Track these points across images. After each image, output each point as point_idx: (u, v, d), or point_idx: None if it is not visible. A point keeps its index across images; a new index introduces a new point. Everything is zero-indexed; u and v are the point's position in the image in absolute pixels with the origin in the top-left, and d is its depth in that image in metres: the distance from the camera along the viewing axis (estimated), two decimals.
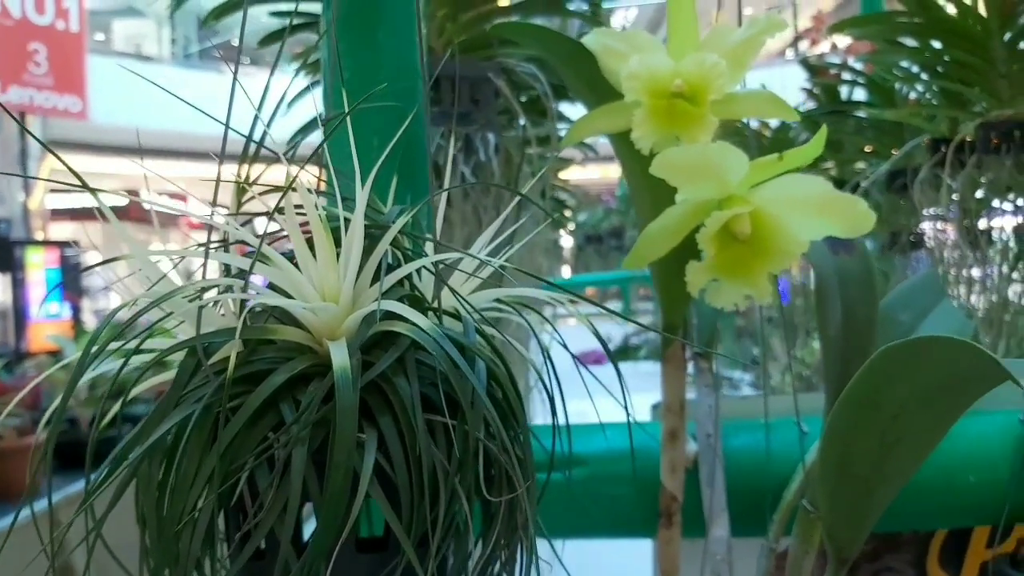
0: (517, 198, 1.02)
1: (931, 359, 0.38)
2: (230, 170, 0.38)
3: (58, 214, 8.27)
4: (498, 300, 0.40)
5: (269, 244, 0.36)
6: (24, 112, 6.79)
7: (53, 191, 7.84)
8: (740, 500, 0.64)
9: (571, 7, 1.00)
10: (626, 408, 0.45)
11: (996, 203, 1.33)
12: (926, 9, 1.18)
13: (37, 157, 7.05)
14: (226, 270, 0.35)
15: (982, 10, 1.11)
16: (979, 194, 1.32)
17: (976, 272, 1.41)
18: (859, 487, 0.44)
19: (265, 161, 0.37)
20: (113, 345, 0.33)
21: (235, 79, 0.37)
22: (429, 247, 0.39)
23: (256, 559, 0.32)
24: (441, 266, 0.36)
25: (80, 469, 0.34)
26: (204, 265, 0.33)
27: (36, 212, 7.23)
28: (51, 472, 0.38)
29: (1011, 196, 1.21)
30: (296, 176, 0.33)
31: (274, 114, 0.50)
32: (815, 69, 1.63)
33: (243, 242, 0.36)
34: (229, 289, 0.33)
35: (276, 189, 0.36)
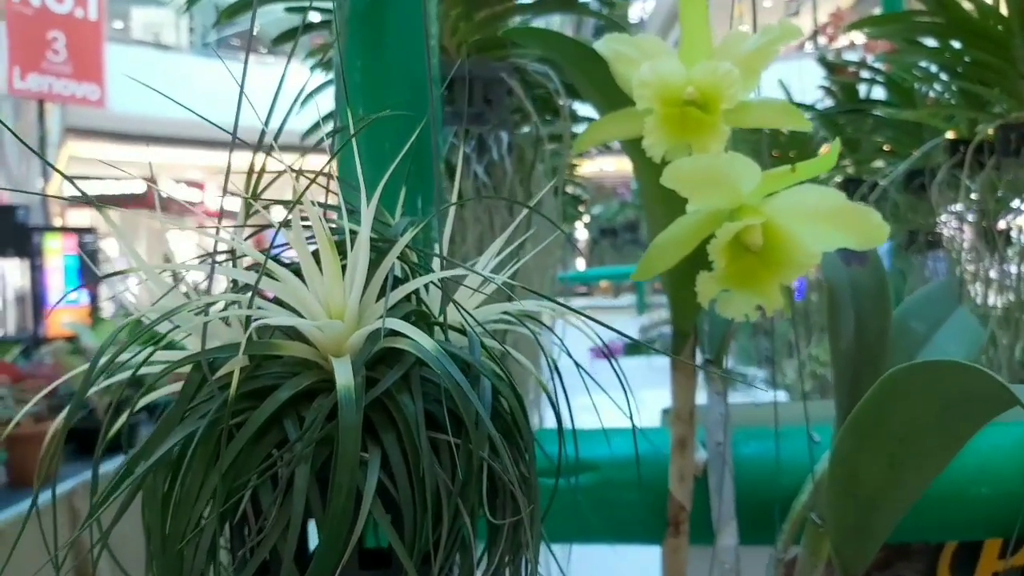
0: (530, 202, 1.02)
1: (940, 383, 0.38)
2: (244, 160, 0.38)
3: (77, 201, 8.29)
4: (505, 312, 0.40)
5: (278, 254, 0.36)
6: (43, 100, 6.83)
7: (72, 178, 7.87)
8: (749, 509, 0.63)
9: (586, 4, 0.99)
10: (631, 416, 0.45)
11: (1015, 204, 1.31)
12: (946, 9, 1.17)
13: (56, 144, 7.09)
14: (233, 283, 0.35)
15: (1004, 10, 1.10)
16: (998, 194, 1.31)
17: (993, 272, 1.40)
18: (866, 506, 0.44)
19: (278, 152, 0.36)
20: (122, 357, 0.33)
21: (243, 78, 0.37)
22: (437, 260, 0.39)
23: (261, 574, 0.32)
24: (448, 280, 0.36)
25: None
26: (210, 278, 0.33)
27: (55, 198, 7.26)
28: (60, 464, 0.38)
29: None
30: (304, 191, 0.33)
31: (291, 109, 0.50)
32: (833, 67, 1.62)
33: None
34: (235, 304, 0.33)
35: (283, 203, 0.36)
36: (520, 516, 0.32)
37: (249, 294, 0.32)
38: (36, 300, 5.65)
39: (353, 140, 0.37)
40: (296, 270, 0.35)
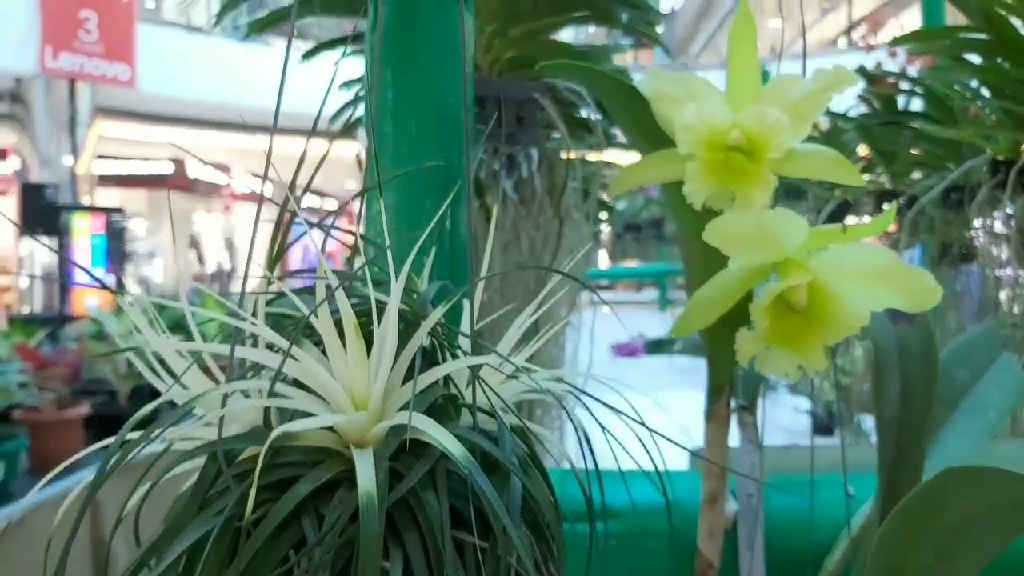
0: (558, 214, 0.99)
1: (995, 486, 0.36)
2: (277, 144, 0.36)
3: (105, 180, 8.39)
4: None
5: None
6: (74, 79, 6.88)
7: (101, 157, 7.95)
8: (779, 564, 0.61)
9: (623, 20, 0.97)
10: (658, 474, 0.42)
11: None
12: (994, 26, 1.13)
13: (85, 124, 7.14)
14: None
15: None
16: None
17: None
18: None
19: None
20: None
21: (284, 67, 0.35)
22: (466, 324, 0.37)
23: None
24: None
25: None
26: (231, 359, 0.31)
27: (83, 177, 7.33)
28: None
29: None
30: (328, 278, 0.31)
31: (324, 99, 0.47)
32: (872, 78, 1.57)
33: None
34: (257, 393, 0.31)
35: (305, 273, 0.34)
36: None
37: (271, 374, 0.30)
38: (63, 279, 5.71)
39: (384, 202, 0.35)
40: (319, 342, 0.33)
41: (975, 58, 1.24)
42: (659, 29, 1.01)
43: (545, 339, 0.40)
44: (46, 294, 5.93)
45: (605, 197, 1.07)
